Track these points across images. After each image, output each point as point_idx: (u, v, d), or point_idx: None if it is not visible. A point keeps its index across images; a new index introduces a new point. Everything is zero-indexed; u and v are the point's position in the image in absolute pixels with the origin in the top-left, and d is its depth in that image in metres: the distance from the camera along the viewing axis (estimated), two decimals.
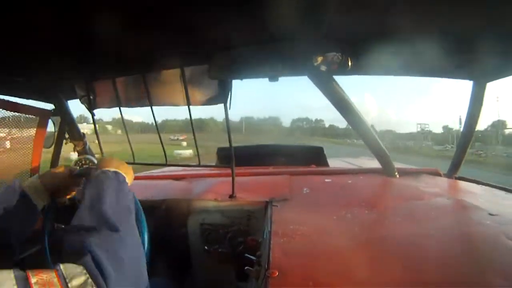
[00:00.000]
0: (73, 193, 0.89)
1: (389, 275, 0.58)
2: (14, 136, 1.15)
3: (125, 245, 0.53)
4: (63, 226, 0.99)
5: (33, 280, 0.40)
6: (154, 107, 1.25)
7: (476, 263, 0.62)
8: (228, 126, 1.20)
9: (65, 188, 0.84)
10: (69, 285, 0.42)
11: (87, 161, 1.39)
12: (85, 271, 0.45)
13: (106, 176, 0.69)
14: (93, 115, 1.36)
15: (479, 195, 1.14)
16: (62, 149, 1.40)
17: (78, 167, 0.89)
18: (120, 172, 0.74)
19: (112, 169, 0.74)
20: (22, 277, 0.40)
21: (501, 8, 0.66)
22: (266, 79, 1.05)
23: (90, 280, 0.44)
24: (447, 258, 0.64)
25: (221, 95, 1.14)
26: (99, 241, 0.50)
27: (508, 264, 0.60)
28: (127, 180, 0.75)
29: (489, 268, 0.59)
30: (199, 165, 1.37)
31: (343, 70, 0.94)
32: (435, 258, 0.63)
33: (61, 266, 0.45)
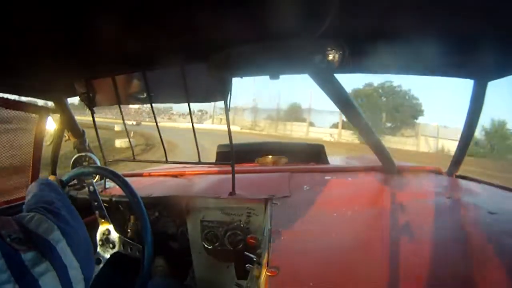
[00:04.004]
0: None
1: (390, 274, 0.58)
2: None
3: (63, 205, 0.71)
4: None
5: None
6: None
7: (476, 262, 0.62)
8: (228, 123, 1.19)
9: None
10: (26, 225, 0.56)
11: (87, 158, 1.40)
12: (38, 214, 0.59)
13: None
14: (92, 112, 1.36)
15: (479, 194, 1.14)
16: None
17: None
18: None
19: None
20: None
21: (502, 7, 0.66)
22: None
23: (43, 217, 0.59)
24: (447, 256, 0.64)
25: (222, 93, 1.14)
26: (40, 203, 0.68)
27: (508, 263, 0.60)
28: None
29: (489, 267, 0.59)
30: (199, 162, 1.37)
31: (344, 68, 0.93)
32: (435, 257, 0.63)
33: (16, 216, 0.58)
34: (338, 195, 1.13)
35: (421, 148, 19.90)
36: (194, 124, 1.32)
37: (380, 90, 23.26)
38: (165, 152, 1.41)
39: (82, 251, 0.63)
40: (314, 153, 2.07)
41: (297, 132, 25.53)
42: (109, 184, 1.38)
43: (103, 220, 1.11)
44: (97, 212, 1.11)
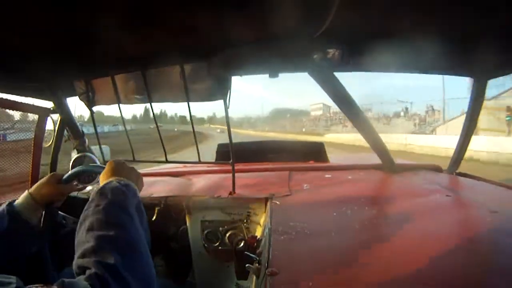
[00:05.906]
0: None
1: (390, 273, 0.58)
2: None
3: (130, 267, 0.50)
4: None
5: None
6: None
7: (476, 261, 0.62)
8: (228, 122, 1.19)
9: (57, 195, 0.87)
10: None
11: (87, 159, 1.40)
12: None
13: (112, 191, 0.62)
14: (92, 112, 1.35)
15: (479, 192, 1.14)
16: None
17: (64, 174, 0.92)
18: (131, 183, 0.68)
19: (122, 181, 0.66)
20: None
21: (501, 7, 0.66)
22: None
23: None
24: (447, 256, 0.64)
25: (221, 92, 1.14)
26: (101, 259, 0.47)
27: (508, 262, 0.60)
28: (138, 193, 0.68)
29: (489, 265, 0.59)
30: (199, 162, 1.36)
31: (344, 66, 0.93)
32: (435, 256, 0.63)
33: (66, 281, 0.43)
34: (338, 193, 1.13)
35: None
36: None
37: None
38: (165, 152, 1.41)
39: None
40: (314, 152, 2.07)
41: None
42: None
43: None
44: None
